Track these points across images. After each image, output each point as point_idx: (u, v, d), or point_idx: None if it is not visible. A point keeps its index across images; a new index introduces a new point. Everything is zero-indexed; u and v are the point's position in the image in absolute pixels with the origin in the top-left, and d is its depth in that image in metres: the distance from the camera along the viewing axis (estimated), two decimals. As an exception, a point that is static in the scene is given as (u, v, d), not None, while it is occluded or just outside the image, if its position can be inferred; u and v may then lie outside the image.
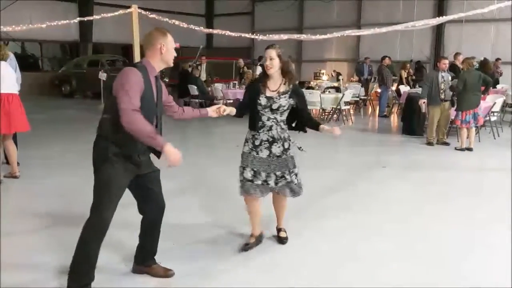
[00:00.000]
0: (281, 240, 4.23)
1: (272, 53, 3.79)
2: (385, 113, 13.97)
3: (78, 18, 14.37)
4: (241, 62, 16.22)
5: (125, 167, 3.14)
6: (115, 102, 3.00)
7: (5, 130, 6.01)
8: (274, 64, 3.79)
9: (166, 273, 3.54)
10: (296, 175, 3.97)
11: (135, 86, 3.01)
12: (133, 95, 2.98)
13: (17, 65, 6.99)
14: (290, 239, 4.29)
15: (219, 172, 6.86)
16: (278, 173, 3.89)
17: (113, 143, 3.08)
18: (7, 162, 6.67)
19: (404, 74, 14.72)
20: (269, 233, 4.37)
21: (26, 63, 19.80)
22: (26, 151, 7.23)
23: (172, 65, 3.34)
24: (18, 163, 6.79)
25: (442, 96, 9.01)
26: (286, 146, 3.92)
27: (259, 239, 4.17)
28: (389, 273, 3.71)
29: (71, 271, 3.16)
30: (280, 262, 3.88)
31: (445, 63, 9.08)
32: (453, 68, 10.79)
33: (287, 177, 3.90)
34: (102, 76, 15.07)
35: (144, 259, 3.54)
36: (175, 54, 3.29)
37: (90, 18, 12.82)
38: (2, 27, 10.72)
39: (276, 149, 3.89)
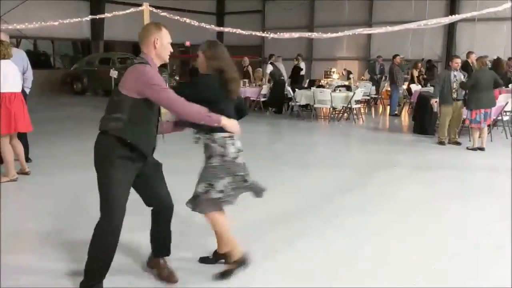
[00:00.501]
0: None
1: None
2: (396, 112, 13.89)
3: (90, 16, 14.49)
4: (246, 60, 16.10)
5: (130, 166, 3.06)
6: (130, 101, 2.96)
7: (6, 130, 5.83)
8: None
9: (169, 279, 3.39)
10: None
11: (161, 79, 3.01)
12: (165, 86, 3.00)
13: (28, 63, 7.00)
14: (302, 238, 4.26)
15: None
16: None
17: (123, 143, 3.00)
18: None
19: (415, 73, 14.63)
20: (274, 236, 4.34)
21: (38, 60, 19.97)
22: (37, 149, 7.28)
23: (167, 61, 3.23)
24: (30, 160, 6.86)
25: (454, 95, 8.93)
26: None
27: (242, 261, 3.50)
28: (403, 272, 3.68)
29: (85, 274, 3.12)
30: (293, 263, 3.85)
31: (457, 62, 9.00)
32: (465, 67, 10.69)
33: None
34: (113, 73, 15.10)
35: (154, 251, 3.47)
36: (171, 50, 3.19)
37: (102, 16, 12.89)
38: (15, 24, 10.81)
39: None
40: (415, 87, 13.39)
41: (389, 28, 8.67)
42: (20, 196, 5.73)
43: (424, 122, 10.45)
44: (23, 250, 4.02)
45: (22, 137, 6.57)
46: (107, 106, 3.10)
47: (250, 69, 16.09)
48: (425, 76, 15.43)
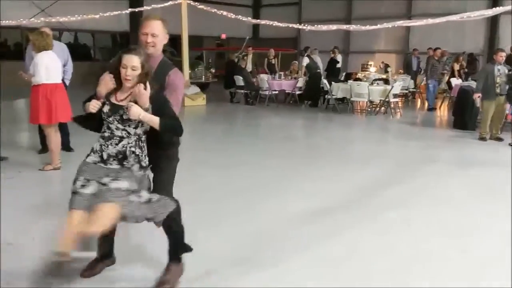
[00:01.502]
0: None
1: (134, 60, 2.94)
2: (432, 106, 13.56)
3: (130, 9, 14.73)
4: (272, 52, 15.99)
5: None
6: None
7: (47, 120, 5.99)
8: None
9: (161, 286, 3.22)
10: None
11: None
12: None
13: (69, 55, 7.18)
14: (339, 235, 4.24)
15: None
16: None
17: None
18: (44, 150, 6.83)
19: (456, 67, 14.26)
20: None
21: (78, 53, 20.45)
22: (79, 139, 7.45)
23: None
24: (72, 149, 7.05)
25: (498, 90, 8.68)
26: None
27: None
28: (444, 270, 3.62)
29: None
30: (331, 257, 3.84)
31: (502, 56, 8.73)
32: (509, 60, 10.35)
33: None
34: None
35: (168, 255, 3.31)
36: (146, 40, 3.14)
37: (141, 8, 13.09)
38: (58, 17, 11.12)
39: None
40: (456, 81, 13.05)
41: (430, 21, 8.47)
42: (63, 183, 5.90)
43: (464, 117, 10.19)
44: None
45: (64, 127, 6.77)
46: None
47: (275, 61, 16.03)
48: (466, 70, 15.02)
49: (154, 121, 2.90)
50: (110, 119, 2.99)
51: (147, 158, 3.04)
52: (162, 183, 3.17)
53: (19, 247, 3.80)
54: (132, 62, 2.93)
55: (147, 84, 2.94)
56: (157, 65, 3.18)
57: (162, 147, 3.11)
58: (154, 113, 2.91)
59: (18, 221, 4.37)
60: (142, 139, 3.02)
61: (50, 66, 5.92)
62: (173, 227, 3.18)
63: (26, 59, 6.76)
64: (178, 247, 3.28)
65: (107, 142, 3.00)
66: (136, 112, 2.85)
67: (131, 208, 2.93)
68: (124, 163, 2.96)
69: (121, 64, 2.94)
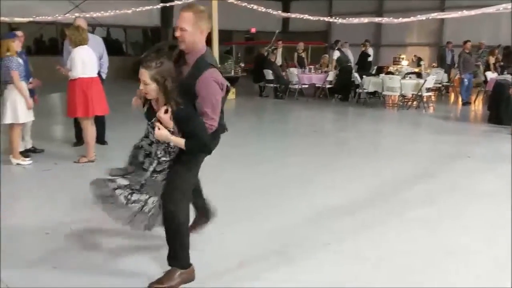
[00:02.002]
0: None
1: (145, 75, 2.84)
2: (466, 101, 13.24)
3: (161, 4, 14.89)
4: (301, 45, 15.85)
5: None
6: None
7: (84, 113, 6.11)
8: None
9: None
10: None
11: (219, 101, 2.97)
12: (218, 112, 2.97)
13: (104, 49, 7.32)
14: (369, 230, 4.21)
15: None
16: None
17: None
18: (78, 143, 6.99)
19: (491, 60, 13.88)
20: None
21: (111, 47, 20.79)
22: (114, 132, 7.60)
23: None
24: (106, 143, 7.20)
25: (535, 84, 8.42)
26: None
27: None
28: (477, 269, 3.56)
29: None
30: (358, 251, 3.82)
31: (540, 48, 8.45)
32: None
33: None
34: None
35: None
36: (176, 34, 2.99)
37: (172, 3, 13.19)
38: (91, 12, 11.32)
39: None
40: (491, 75, 12.71)
41: (465, 13, 8.23)
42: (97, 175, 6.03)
43: (500, 112, 9.93)
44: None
45: (100, 120, 6.91)
46: None
47: (304, 54, 15.93)
48: (502, 63, 14.60)
49: (179, 142, 2.84)
50: (149, 122, 3.05)
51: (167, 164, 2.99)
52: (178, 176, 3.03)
53: (55, 235, 3.92)
54: (142, 76, 2.82)
55: (170, 103, 2.81)
56: (192, 65, 2.98)
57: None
58: (180, 130, 2.84)
59: (53, 211, 4.51)
60: (171, 144, 2.94)
61: (86, 61, 6.04)
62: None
63: (64, 54, 6.92)
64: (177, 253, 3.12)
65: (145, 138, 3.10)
66: (159, 135, 2.84)
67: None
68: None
69: None
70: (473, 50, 14.10)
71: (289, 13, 17.39)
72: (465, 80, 13.13)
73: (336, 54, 14.27)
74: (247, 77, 17.49)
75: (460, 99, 13.70)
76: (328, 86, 13.97)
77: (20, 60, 5.94)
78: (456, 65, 15.56)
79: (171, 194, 2.97)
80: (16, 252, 3.61)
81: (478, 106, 13.13)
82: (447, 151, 7.61)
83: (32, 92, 6.27)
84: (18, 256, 3.56)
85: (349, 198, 5.08)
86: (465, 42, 13.30)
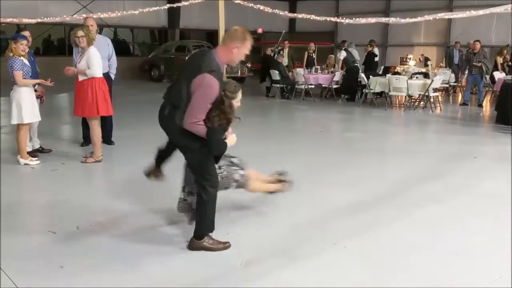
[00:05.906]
0: None
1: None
2: (466, 101, 13.04)
3: (168, 5, 14.95)
4: (312, 46, 15.80)
5: None
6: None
7: (91, 113, 6.12)
8: None
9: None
10: None
11: (210, 101, 3.28)
12: (203, 111, 3.31)
13: (113, 49, 7.35)
14: (376, 230, 4.20)
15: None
16: None
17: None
18: (86, 143, 7.01)
19: (499, 60, 13.78)
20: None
21: (118, 48, 20.88)
22: (120, 131, 7.64)
23: (233, 63, 3.56)
24: (113, 142, 7.23)
25: (544, 84, 8.36)
26: None
27: None
28: (484, 270, 3.54)
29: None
30: (366, 250, 3.81)
31: (548, 48, 8.39)
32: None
33: None
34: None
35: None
36: (243, 58, 3.46)
37: (179, 4, 13.25)
38: (99, 13, 11.39)
39: None
40: (499, 75, 12.63)
41: (473, 12, 8.22)
42: (104, 175, 6.08)
43: (508, 112, 9.86)
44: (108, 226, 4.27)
45: (107, 120, 6.94)
46: None
47: (315, 55, 15.87)
48: (510, 63, 14.50)
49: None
50: None
51: None
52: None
53: (62, 235, 3.95)
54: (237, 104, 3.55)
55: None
56: None
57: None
58: None
59: (59, 211, 4.54)
60: None
61: (95, 62, 6.04)
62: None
63: (74, 54, 6.93)
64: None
65: None
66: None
67: None
68: None
69: None
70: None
71: (296, 14, 17.37)
72: (468, 80, 13.03)
73: (343, 54, 14.22)
74: (253, 77, 17.47)
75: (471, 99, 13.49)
76: (334, 86, 13.94)
77: (25, 60, 5.97)
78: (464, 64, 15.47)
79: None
80: (22, 251, 3.64)
81: (486, 106, 13.04)
82: (453, 150, 7.58)
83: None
84: (24, 255, 3.58)
85: (356, 197, 5.07)
86: (472, 42, 13.19)
